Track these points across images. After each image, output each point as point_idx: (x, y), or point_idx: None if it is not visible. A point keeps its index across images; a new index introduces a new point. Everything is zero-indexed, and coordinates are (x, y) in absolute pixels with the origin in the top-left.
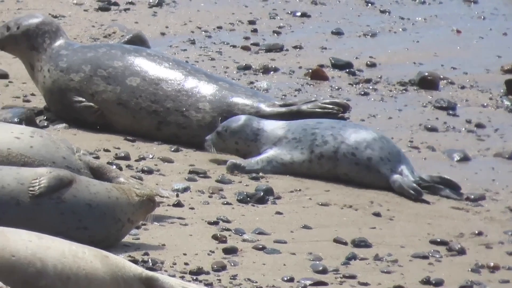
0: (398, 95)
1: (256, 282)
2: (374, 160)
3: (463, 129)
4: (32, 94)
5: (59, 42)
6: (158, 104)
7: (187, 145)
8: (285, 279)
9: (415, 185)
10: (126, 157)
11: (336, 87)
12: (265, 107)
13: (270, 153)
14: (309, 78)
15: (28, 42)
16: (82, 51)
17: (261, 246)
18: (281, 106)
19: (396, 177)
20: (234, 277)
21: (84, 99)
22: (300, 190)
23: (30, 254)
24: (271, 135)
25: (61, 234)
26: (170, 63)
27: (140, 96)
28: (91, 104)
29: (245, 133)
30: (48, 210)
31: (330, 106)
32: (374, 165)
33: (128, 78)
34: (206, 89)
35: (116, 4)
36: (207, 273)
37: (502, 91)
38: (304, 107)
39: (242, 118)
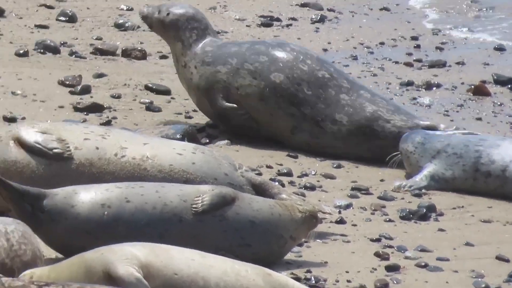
0: None
1: None
2: None
3: None
4: (194, 111)
5: (205, 40)
6: (296, 107)
7: (349, 160)
8: None
9: None
10: (289, 174)
11: (499, 103)
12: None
13: (431, 167)
14: (472, 94)
15: (175, 32)
16: (226, 46)
17: (423, 264)
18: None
19: None
20: None
21: (227, 103)
22: (462, 206)
23: (192, 272)
24: (429, 148)
25: (224, 251)
26: (314, 64)
27: (282, 96)
28: (235, 105)
29: (405, 144)
30: (211, 227)
31: None
32: None
33: (273, 73)
34: (349, 99)
35: (278, 19)
36: None
37: None
38: None
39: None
